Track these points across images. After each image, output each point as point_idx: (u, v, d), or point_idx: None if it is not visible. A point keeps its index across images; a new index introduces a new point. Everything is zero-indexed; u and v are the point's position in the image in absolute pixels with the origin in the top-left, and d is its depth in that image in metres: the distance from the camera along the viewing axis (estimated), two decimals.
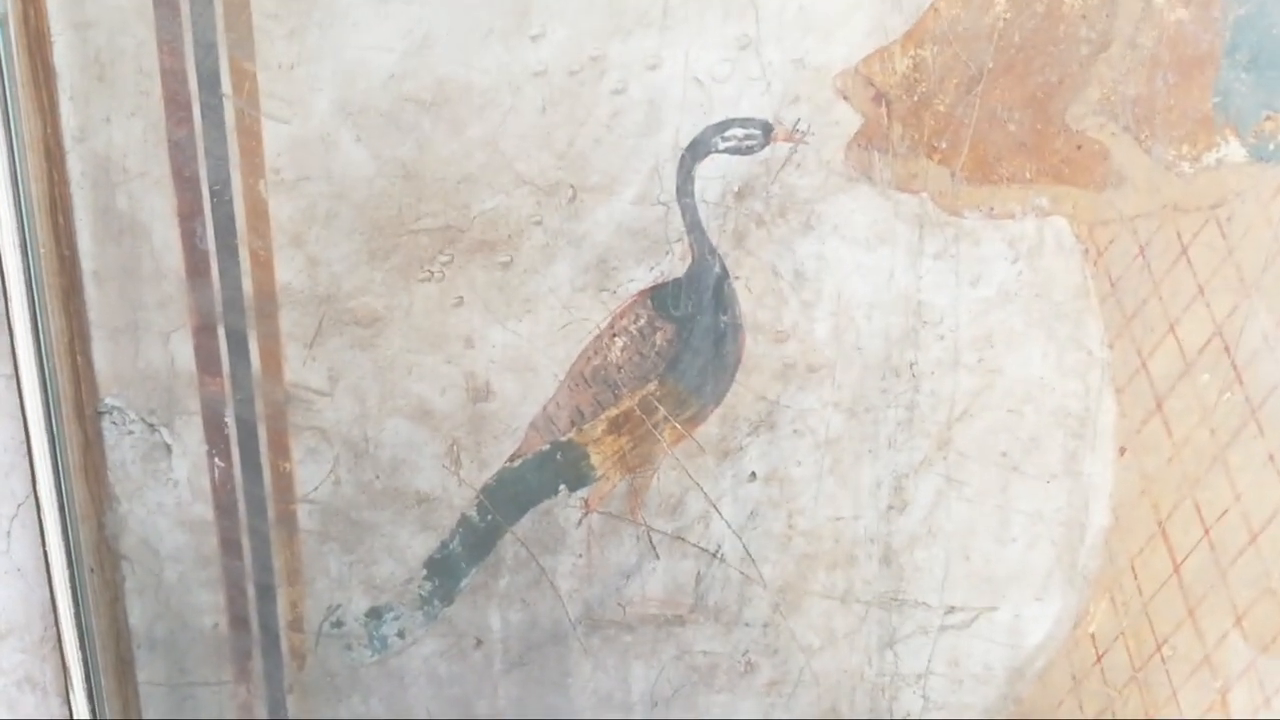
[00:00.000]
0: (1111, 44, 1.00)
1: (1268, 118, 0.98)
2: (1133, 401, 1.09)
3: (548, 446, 1.18)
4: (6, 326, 1.20)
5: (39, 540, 1.26)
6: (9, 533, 1.22)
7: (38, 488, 1.19)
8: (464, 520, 1.20)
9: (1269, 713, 1.14)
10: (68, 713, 1.34)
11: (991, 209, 1.05)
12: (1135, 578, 1.10)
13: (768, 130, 1.06)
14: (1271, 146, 1.00)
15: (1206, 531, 1.06)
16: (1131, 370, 1.07)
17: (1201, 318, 1.03)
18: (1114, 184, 1.03)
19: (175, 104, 1.09)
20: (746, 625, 1.20)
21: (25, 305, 1.13)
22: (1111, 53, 1.00)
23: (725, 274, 1.11)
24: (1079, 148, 1.02)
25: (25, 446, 1.23)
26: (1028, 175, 1.04)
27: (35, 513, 1.25)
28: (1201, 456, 1.07)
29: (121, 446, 1.20)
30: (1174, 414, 1.08)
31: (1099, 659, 1.12)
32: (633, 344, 1.14)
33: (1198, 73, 0.98)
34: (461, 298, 1.13)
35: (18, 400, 1.19)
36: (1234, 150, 1.00)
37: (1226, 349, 1.03)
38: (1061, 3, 1.01)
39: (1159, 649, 1.10)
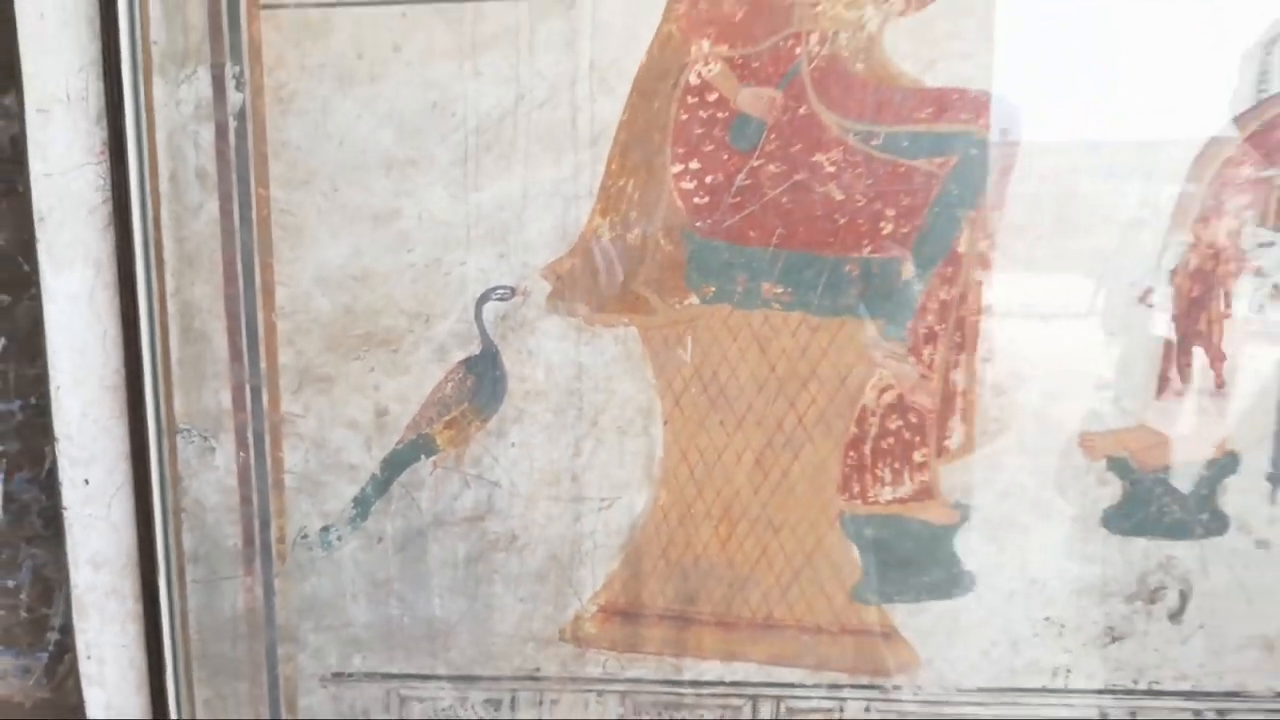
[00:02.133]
0: (645, 260, 1.51)
1: (705, 288, 1.49)
2: (668, 400, 1.56)
3: (415, 436, 1.60)
4: (139, 389, 1.64)
5: (131, 508, 1.69)
6: (109, 504, 1.72)
7: (150, 469, 1.67)
8: (372, 476, 1.64)
9: (753, 536, 1.48)
10: (143, 607, 1.71)
11: (610, 324, 1.54)
12: (676, 478, 1.56)
13: (514, 290, 1.54)
14: (710, 297, 1.50)
15: (701, 454, 1.55)
16: (666, 386, 1.55)
17: (687, 362, 1.53)
18: (652, 313, 1.53)
19: (230, 277, 1.58)
20: (511, 517, 1.62)
21: (151, 375, 1.65)
22: (645, 264, 1.51)
23: (498, 352, 1.56)
24: (642, 302, 1.53)
25: (122, 459, 1.68)
26: (623, 312, 1.55)
27: (129, 492, 1.68)
28: (695, 421, 1.55)
29: (187, 450, 1.66)
30: (685, 404, 1.55)
31: (665, 516, 1.58)
32: (456, 386, 1.58)
33: (678, 272, 1.51)
34: (373, 367, 1.59)
35: (123, 429, 1.67)
36: (694, 299, 1.51)
37: (681, 373, 1.52)
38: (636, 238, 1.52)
39: (689, 508, 1.57)
